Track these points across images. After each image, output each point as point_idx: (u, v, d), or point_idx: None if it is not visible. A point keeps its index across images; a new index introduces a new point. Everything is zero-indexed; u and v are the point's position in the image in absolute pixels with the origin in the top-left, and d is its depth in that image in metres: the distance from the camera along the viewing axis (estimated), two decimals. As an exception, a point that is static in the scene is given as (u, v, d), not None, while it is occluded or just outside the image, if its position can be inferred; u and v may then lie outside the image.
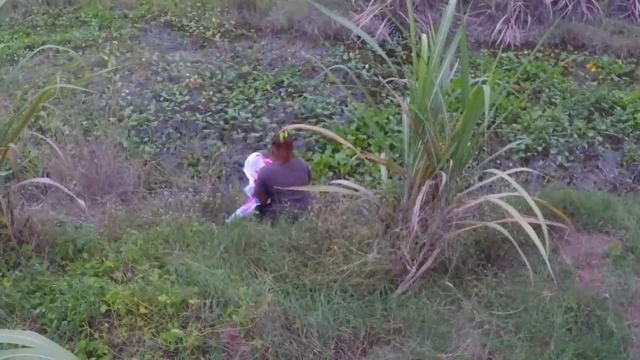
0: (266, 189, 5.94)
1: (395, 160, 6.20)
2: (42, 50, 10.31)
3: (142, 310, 3.70)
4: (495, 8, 12.48)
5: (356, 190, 4.64)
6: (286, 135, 5.83)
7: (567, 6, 12.57)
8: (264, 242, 4.58)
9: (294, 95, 9.76)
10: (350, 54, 11.38)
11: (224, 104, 9.37)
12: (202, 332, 3.57)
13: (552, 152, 8.53)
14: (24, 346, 1.89)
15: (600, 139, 8.85)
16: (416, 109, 4.05)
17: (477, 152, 6.85)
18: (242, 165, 6.79)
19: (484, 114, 3.62)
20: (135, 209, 5.73)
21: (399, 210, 4.34)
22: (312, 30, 12.21)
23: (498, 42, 11.94)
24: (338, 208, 4.97)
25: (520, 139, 8.48)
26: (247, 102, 9.43)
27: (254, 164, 6.40)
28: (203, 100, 9.48)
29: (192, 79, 10.02)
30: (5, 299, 3.80)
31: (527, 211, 4.10)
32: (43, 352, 1.87)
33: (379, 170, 6.36)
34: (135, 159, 7.33)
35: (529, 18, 12.38)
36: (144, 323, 3.65)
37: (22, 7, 13.31)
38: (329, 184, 6.09)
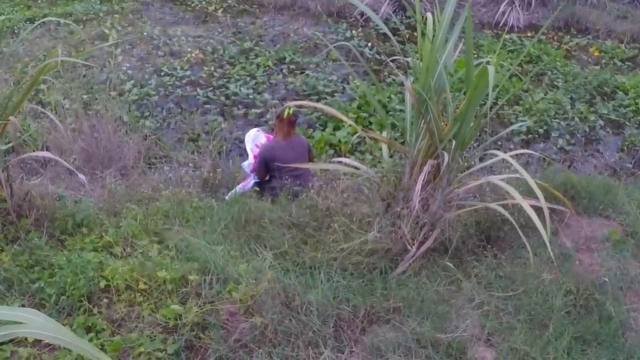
0: (266, 166, 5.92)
1: (396, 140, 6.18)
2: (43, 23, 10.25)
3: (142, 285, 3.69)
4: (500, -11, 12.40)
5: (357, 168, 4.62)
6: (291, 112, 5.81)
7: (571, -11, 12.51)
8: (264, 219, 4.57)
9: (295, 72, 9.73)
10: (353, 31, 11.32)
11: (225, 80, 9.34)
12: (201, 309, 3.56)
13: (553, 135, 8.52)
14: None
15: (602, 123, 8.84)
16: (420, 88, 4.02)
17: (478, 134, 6.84)
18: (242, 142, 6.77)
19: (486, 95, 3.60)
20: (135, 183, 5.72)
21: (400, 189, 4.33)
22: (315, 7, 12.15)
23: (502, 23, 11.88)
24: (339, 186, 4.95)
25: (522, 121, 8.46)
26: (248, 78, 9.41)
27: (255, 138, 6.38)
28: (204, 75, 9.45)
29: (193, 54, 9.98)
30: (3, 274, 3.78)
31: (527, 193, 4.09)
32: (41, 329, 1.86)
33: (380, 149, 6.34)
34: (135, 134, 7.31)
35: (533, 0, 12.30)
36: (143, 299, 3.65)
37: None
38: (330, 162, 6.07)
